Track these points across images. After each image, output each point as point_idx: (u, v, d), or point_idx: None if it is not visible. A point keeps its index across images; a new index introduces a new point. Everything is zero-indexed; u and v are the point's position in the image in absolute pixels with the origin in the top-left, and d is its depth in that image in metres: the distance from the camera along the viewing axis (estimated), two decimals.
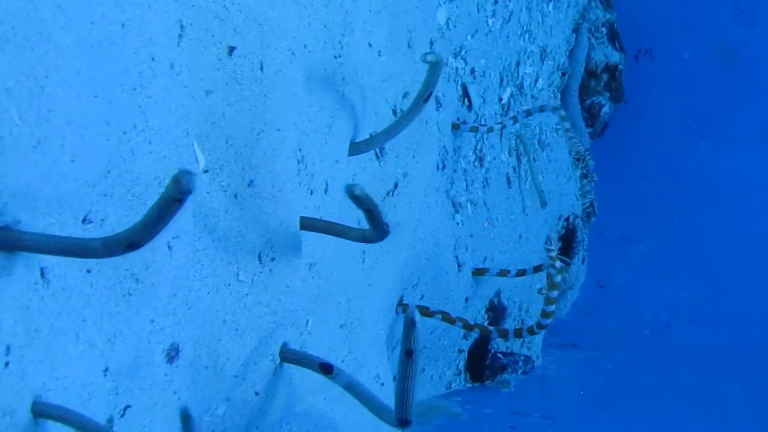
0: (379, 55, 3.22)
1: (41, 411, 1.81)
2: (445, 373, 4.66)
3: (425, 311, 3.75)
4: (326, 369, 2.52)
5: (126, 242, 1.69)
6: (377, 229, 2.46)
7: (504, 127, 4.36)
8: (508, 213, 4.91)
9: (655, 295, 6.33)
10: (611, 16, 6.31)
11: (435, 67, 2.80)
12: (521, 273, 4.42)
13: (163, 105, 2.12)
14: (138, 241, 1.68)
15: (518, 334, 3.85)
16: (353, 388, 2.48)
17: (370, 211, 2.37)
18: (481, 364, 4.95)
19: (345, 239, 2.68)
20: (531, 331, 3.88)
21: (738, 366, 5.59)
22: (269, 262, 2.52)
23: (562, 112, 4.25)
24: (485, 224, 4.69)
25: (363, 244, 3.23)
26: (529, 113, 4.45)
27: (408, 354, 2.02)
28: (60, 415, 1.81)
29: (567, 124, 4.28)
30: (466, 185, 4.42)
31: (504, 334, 3.92)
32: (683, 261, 6.41)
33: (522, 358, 5.10)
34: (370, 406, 2.45)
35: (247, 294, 2.44)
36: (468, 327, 3.81)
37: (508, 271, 4.46)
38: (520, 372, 5.08)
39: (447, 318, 3.78)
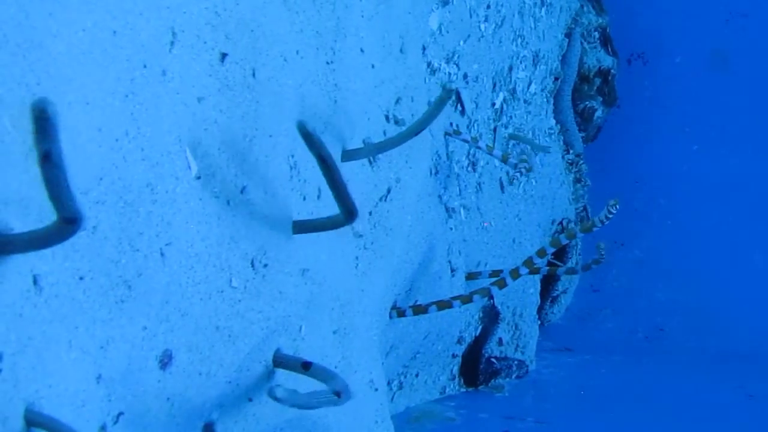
0: (372, 63, 3.23)
1: (33, 420, 1.81)
2: (438, 378, 4.66)
3: (419, 309, 3.74)
4: (306, 366, 2.54)
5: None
6: (343, 207, 2.45)
7: (490, 151, 4.35)
8: (501, 218, 4.91)
9: (649, 299, 6.33)
10: (603, 21, 6.32)
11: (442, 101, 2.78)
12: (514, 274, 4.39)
13: (155, 112, 2.13)
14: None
15: (515, 274, 3.82)
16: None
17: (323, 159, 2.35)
18: (474, 368, 4.96)
19: (320, 231, 2.68)
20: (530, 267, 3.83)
21: (733, 370, 5.60)
22: (262, 268, 2.52)
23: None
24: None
25: (356, 249, 3.23)
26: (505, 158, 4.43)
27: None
28: (51, 425, 1.81)
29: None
30: (459, 190, 4.42)
31: (501, 284, 3.87)
32: (677, 265, 6.42)
33: (516, 362, 5.11)
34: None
35: (240, 300, 2.44)
36: (466, 300, 3.79)
37: (501, 271, 4.44)
38: (513, 376, 5.09)
39: (442, 305, 3.76)
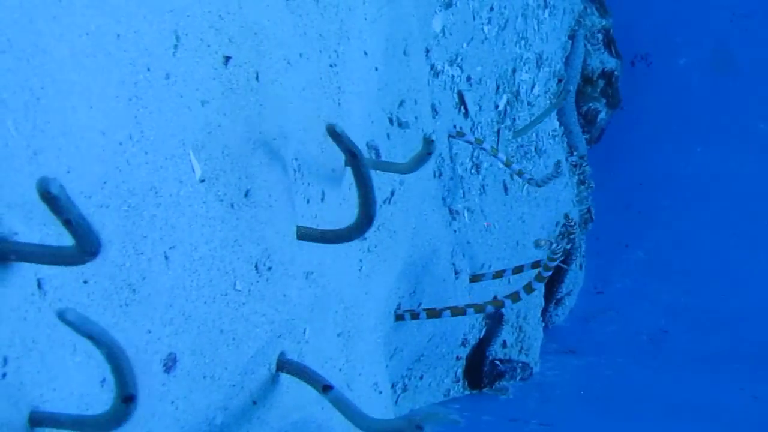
0: (375, 66, 3.23)
1: (37, 421, 1.81)
2: (443, 381, 4.66)
3: (432, 312, 3.75)
4: (326, 389, 2.51)
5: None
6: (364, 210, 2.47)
7: (495, 153, 4.36)
8: (505, 220, 4.91)
9: (653, 301, 6.33)
10: (607, 23, 6.32)
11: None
12: (518, 270, 4.39)
13: (158, 115, 2.13)
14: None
15: (528, 289, 3.84)
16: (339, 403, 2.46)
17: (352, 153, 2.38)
18: (479, 371, 4.95)
19: (341, 244, 2.68)
20: (539, 278, 3.85)
21: (737, 372, 5.59)
22: (266, 271, 2.52)
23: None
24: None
25: (360, 252, 3.23)
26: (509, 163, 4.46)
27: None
28: (54, 420, 1.81)
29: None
30: (463, 192, 4.42)
31: (515, 298, 3.88)
32: (681, 266, 6.41)
33: (520, 364, 5.10)
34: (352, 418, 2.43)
35: (244, 303, 2.44)
36: (479, 309, 3.81)
37: (504, 271, 4.45)
38: (518, 379, 5.08)
39: (456, 311, 3.77)
